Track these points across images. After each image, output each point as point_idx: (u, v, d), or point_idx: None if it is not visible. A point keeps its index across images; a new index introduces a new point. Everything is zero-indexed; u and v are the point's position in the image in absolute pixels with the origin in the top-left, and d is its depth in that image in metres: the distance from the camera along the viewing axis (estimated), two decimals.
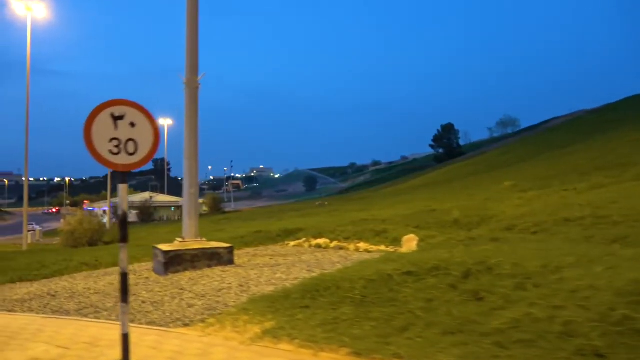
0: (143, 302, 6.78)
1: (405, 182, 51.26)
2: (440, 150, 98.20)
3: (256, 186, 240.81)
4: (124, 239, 4.33)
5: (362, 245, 9.93)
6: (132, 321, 5.95)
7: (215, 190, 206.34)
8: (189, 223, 9.12)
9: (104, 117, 4.21)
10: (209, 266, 8.71)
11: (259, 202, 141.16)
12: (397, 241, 9.69)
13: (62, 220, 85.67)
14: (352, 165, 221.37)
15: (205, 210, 73.79)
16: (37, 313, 6.75)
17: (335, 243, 10.83)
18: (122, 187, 4.30)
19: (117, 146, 4.24)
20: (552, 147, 39.65)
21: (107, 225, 52.52)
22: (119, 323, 6.13)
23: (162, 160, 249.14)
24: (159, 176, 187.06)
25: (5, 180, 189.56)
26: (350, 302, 5.39)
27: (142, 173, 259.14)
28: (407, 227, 10.99)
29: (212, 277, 8.01)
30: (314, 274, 7.55)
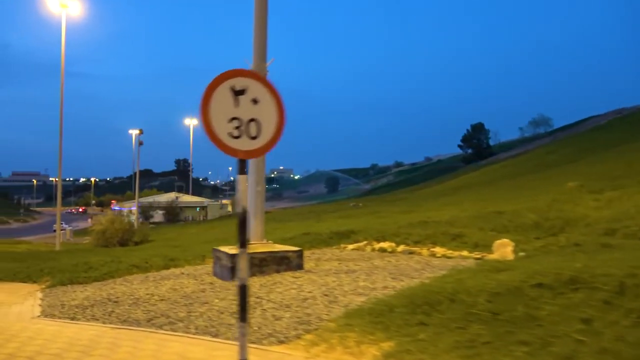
0: (220, 312, 6.07)
1: (441, 183, 49.86)
2: (469, 151, 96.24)
3: (276, 187, 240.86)
4: (243, 243, 3.59)
5: (438, 250, 9.09)
6: (216, 335, 5.25)
7: (236, 192, 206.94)
8: (254, 224, 8.42)
9: (223, 91, 3.49)
10: (278, 271, 7.99)
11: (280, 203, 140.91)
12: (479, 246, 8.83)
13: (89, 220, 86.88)
14: (374, 166, 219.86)
15: (229, 211, 73.69)
16: (104, 322, 6.09)
17: (402, 247, 10.02)
18: (242, 180, 3.57)
19: (237, 127, 3.52)
20: (608, 145, 38.02)
21: (135, 225, 52.71)
22: (201, 337, 5.44)
23: (185, 160, 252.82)
24: (181, 177, 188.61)
25: (33, 180, 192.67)
26: (478, 319, 4.59)
27: (164, 174, 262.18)
28: (482, 231, 10.13)
29: (285, 284, 7.28)
30: (403, 283, 6.78)
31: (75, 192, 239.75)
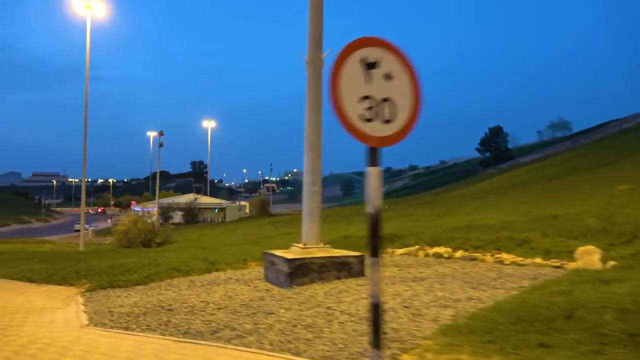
0: (291, 324, 5.47)
1: (468, 186, 48.56)
2: (487, 154, 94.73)
3: (290, 190, 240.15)
4: (376, 250, 2.98)
5: (505, 256, 8.41)
6: (297, 353, 4.63)
7: (250, 194, 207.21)
8: (310, 226, 7.81)
9: (353, 64, 2.89)
10: (338, 277, 7.38)
11: (296, 206, 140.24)
12: (551, 253, 8.14)
13: (108, 220, 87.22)
14: (388, 169, 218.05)
15: (246, 213, 73.36)
16: (162, 334, 5.52)
17: (461, 252, 9.35)
18: (374, 173, 2.97)
19: (369, 108, 2.91)
20: None
21: (156, 226, 52.55)
22: (281, 356, 4.84)
23: (200, 162, 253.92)
24: (197, 178, 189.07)
25: (53, 180, 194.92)
26: (614, 342, 3.94)
27: (180, 175, 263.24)
28: (548, 237, 9.41)
29: (352, 293, 6.67)
30: (486, 294, 6.13)
31: (93, 193, 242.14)
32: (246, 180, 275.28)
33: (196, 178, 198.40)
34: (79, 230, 64.15)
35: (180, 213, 62.64)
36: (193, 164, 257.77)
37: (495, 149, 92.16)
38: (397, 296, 6.32)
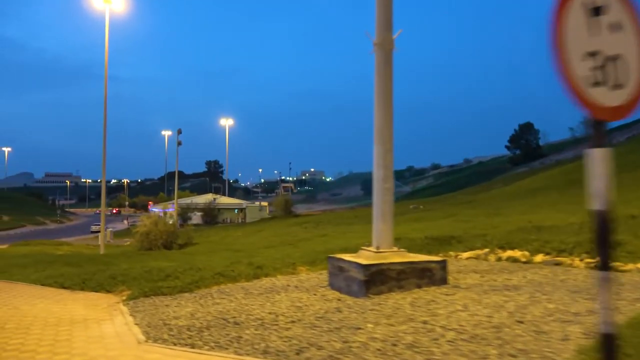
0: (390, 343, 4.62)
1: (507, 185, 46.16)
2: (517, 152, 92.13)
3: (309, 189, 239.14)
4: (605, 262, 2.15)
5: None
6: None
7: (267, 194, 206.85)
8: (382, 228, 6.97)
9: (576, 11, 2.06)
10: (419, 286, 6.53)
11: (315, 206, 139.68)
12: None
13: (125, 221, 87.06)
14: (410, 168, 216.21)
15: (267, 215, 72.71)
16: (237, 353, 4.70)
17: (541, 257, 8.44)
18: (601, 156, 2.15)
19: (596, 68, 2.07)
20: None
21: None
22: None
23: (216, 162, 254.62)
24: (212, 178, 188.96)
25: (67, 181, 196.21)
26: None
27: (195, 175, 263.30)
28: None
29: (442, 304, 5.81)
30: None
31: (107, 193, 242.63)
32: (262, 180, 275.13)
33: (211, 178, 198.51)
34: (95, 232, 64.20)
35: (199, 214, 62.07)
36: (208, 163, 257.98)
37: (526, 146, 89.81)
38: (500, 308, 5.45)
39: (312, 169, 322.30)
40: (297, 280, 8.42)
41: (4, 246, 35.08)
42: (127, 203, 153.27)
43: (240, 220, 69.75)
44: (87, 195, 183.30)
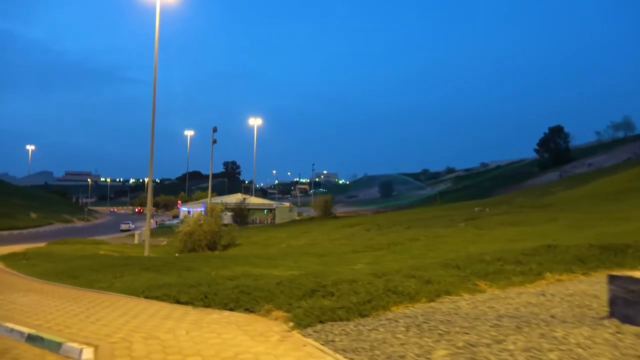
0: None
1: (570, 188, 42.96)
2: (545, 155, 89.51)
3: (323, 191, 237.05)
4: None
5: None
6: None
7: (283, 195, 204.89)
8: None
9: None
10: None
11: (336, 207, 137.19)
12: None
13: (151, 220, 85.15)
14: (425, 171, 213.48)
15: (297, 216, 70.86)
16: None
17: None
18: None
19: None
20: None
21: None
22: None
23: (233, 162, 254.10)
24: (230, 179, 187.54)
25: (88, 179, 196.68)
26: None
27: (213, 176, 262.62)
28: None
29: None
30: None
31: (127, 192, 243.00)
32: (276, 182, 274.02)
33: (229, 178, 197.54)
34: (125, 230, 62.79)
35: (229, 214, 60.27)
36: (225, 164, 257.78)
37: (556, 150, 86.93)
38: None
39: (325, 171, 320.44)
40: (516, 303, 6.31)
41: (42, 244, 33.48)
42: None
43: (269, 221, 67.96)
44: (107, 194, 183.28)
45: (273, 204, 75.28)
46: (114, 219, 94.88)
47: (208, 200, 53.50)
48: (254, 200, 70.67)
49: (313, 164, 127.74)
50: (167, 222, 76.55)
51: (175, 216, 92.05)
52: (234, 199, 67.11)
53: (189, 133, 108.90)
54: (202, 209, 75.02)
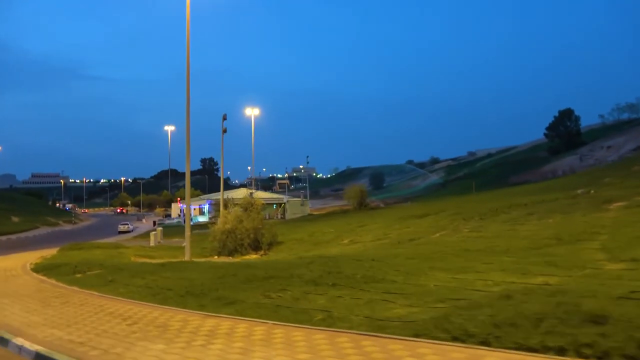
0: None
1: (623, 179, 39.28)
2: (551, 140, 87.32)
3: (304, 186, 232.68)
4: None
5: None
6: None
7: (265, 190, 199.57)
8: None
9: None
10: None
11: (329, 201, 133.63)
12: None
13: (143, 220, 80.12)
14: (410, 162, 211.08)
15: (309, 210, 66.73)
16: None
17: None
18: None
19: None
20: None
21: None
22: None
23: (211, 159, 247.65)
24: (207, 176, 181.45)
25: (61, 181, 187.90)
26: None
27: (191, 173, 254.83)
28: None
29: None
30: None
31: (99, 193, 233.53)
32: (254, 177, 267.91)
33: (208, 175, 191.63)
34: (124, 232, 57.54)
35: (224, 210, 55.84)
36: (203, 161, 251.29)
37: (567, 134, 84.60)
38: None
39: (301, 166, 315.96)
40: None
41: (53, 251, 28.57)
42: (129, 202, 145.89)
43: (279, 216, 63.81)
44: (83, 196, 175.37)
45: (284, 198, 71.05)
46: (101, 221, 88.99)
47: (221, 195, 49.03)
48: (261, 195, 66.18)
49: (307, 157, 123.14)
50: (167, 222, 71.38)
51: (168, 215, 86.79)
52: (240, 194, 62.58)
53: (170, 128, 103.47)
54: (208, 204, 70.36)
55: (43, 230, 63.24)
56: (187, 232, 25.72)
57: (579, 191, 24.18)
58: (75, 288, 11.82)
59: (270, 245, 28.79)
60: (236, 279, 10.57)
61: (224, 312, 7.72)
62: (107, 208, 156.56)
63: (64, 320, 7.81)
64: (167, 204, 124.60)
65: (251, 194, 62.67)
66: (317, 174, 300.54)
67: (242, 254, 26.93)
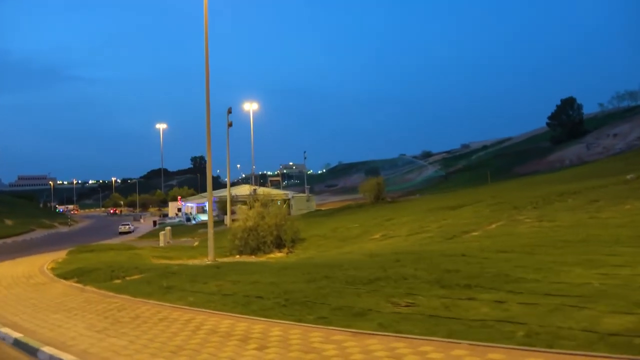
0: None
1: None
2: (559, 129, 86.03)
3: (296, 182, 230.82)
4: None
5: None
6: None
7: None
8: None
9: None
10: None
11: (325, 197, 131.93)
12: None
13: (141, 220, 77.77)
14: (402, 156, 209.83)
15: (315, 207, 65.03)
16: None
17: None
18: None
19: None
20: None
21: (228, 224, 44.16)
22: None
23: (201, 158, 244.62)
24: (197, 175, 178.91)
25: (50, 182, 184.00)
26: None
27: (180, 172, 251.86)
28: None
29: None
30: None
31: (89, 194, 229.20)
32: (243, 175, 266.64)
33: (199, 174, 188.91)
34: (125, 233, 55.28)
35: (244, 207, 53.96)
36: (194, 159, 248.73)
37: (569, 123, 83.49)
38: None
39: (291, 162, 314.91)
40: None
41: (61, 254, 26.56)
42: (121, 202, 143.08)
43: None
44: (74, 197, 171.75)
45: (289, 194, 69.13)
46: (96, 222, 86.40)
47: (227, 191, 47.25)
48: (265, 191, 64.38)
49: (304, 152, 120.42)
50: (169, 221, 69.17)
51: (165, 215, 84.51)
52: (243, 190, 60.72)
53: (162, 126, 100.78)
54: (204, 204, 68.17)
55: (39, 233, 60.76)
56: (210, 230, 23.74)
57: (628, 177, 22.94)
58: (126, 296, 9.99)
59: (294, 242, 26.96)
60: (332, 281, 8.82)
61: (364, 327, 5.98)
62: (99, 209, 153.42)
63: (159, 344, 5.94)
64: (161, 204, 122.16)
65: (254, 190, 60.90)
66: (308, 171, 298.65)
67: (266, 252, 25.10)
